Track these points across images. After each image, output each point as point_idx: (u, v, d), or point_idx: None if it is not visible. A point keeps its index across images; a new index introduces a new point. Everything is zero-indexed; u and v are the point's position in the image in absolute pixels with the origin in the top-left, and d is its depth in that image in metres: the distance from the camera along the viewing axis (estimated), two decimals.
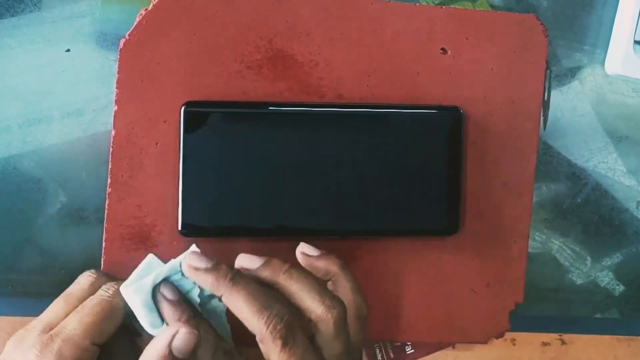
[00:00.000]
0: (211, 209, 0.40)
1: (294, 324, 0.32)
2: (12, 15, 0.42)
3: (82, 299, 0.36)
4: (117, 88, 0.40)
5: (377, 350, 0.45)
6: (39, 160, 0.42)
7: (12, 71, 0.42)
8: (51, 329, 0.34)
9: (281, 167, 0.40)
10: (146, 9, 0.40)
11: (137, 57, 0.40)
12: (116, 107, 0.40)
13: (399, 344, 0.45)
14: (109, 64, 0.42)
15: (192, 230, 0.40)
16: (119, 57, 0.40)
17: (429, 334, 0.43)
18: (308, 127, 0.40)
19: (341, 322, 0.34)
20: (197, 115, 0.39)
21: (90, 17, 0.42)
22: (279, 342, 0.31)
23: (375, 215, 0.41)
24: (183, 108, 0.39)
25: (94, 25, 0.42)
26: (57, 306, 0.36)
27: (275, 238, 0.41)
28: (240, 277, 0.33)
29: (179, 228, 0.40)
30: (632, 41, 0.45)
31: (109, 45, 0.42)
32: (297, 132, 0.40)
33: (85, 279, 0.37)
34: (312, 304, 0.33)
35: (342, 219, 0.41)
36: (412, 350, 0.45)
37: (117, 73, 0.40)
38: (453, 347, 0.45)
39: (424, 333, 0.43)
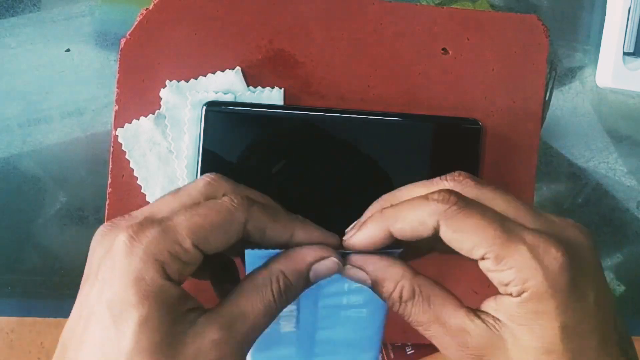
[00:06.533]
0: None
1: None
2: (12, 15, 0.42)
3: (194, 200, 0.31)
4: (117, 88, 0.40)
5: None
6: (39, 160, 0.42)
7: (12, 71, 0.42)
8: (153, 221, 0.30)
9: (298, 169, 0.40)
10: (147, 9, 0.40)
11: (138, 57, 0.40)
12: (116, 107, 0.40)
13: (399, 344, 0.45)
14: (109, 64, 0.42)
15: None
16: (119, 56, 0.40)
17: None
18: (326, 132, 0.40)
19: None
20: (218, 115, 0.39)
21: (90, 17, 0.42)
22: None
23: None
24: (204, 107, 0.39)
25: (94, 25, 0.42)
26: (163, 201, 0.31)
27: None
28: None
29: None
30: (622, 53, 0.45)
31: (109, 45, 0.42)
32: (317, 137, 0.40)
33: (202, 179, 0.32)
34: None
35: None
36: (412, 351, 0.45)
37: (118, 72, 0.40)
38: None
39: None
